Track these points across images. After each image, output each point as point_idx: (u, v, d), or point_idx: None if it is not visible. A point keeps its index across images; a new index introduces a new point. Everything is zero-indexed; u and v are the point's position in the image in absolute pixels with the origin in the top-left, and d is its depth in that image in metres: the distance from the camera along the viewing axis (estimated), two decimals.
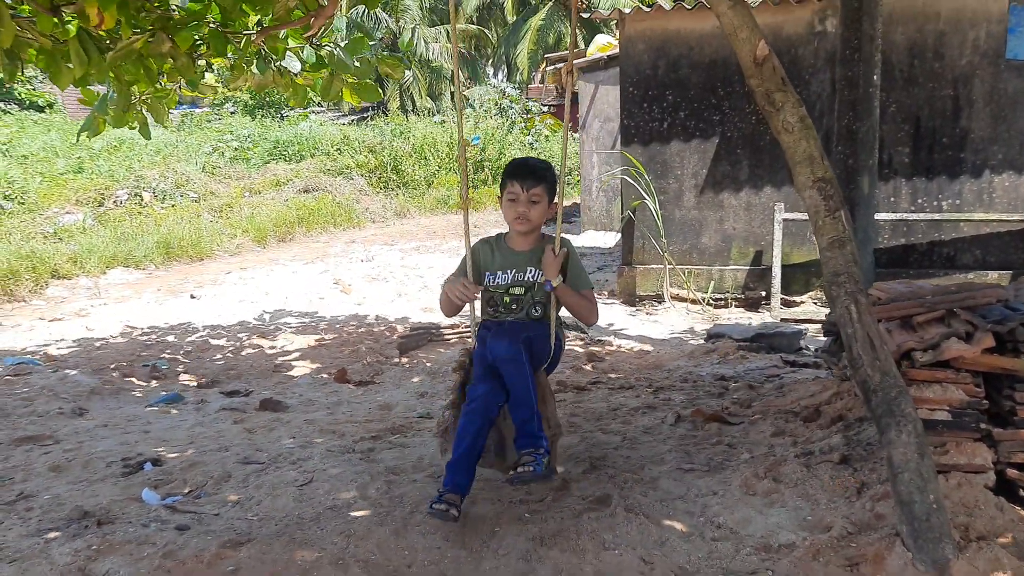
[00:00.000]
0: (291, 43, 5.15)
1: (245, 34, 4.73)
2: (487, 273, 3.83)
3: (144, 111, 5.25)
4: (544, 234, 3.90)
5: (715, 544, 3.30)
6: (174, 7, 4.47)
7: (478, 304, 3.92)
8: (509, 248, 3.85)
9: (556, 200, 3.82)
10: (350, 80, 5.19)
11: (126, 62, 4.15)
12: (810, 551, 3.10)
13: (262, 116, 27.51)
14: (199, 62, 4.82)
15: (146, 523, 3.65)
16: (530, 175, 3.72)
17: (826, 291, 3.09)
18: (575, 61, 15.92)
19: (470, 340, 3.97)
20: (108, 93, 4.87)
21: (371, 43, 5.17)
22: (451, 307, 3.81)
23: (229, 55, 4.85)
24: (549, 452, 3.59)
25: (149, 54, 4.20)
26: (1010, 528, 3.15)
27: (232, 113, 27.55)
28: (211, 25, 4.49)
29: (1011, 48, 9.31)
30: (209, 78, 4.99)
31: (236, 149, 21.93)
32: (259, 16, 4.81)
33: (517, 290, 3.79)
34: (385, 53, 5.30)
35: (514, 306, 3.80)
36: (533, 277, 3.77)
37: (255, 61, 5.03)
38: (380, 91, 5.77)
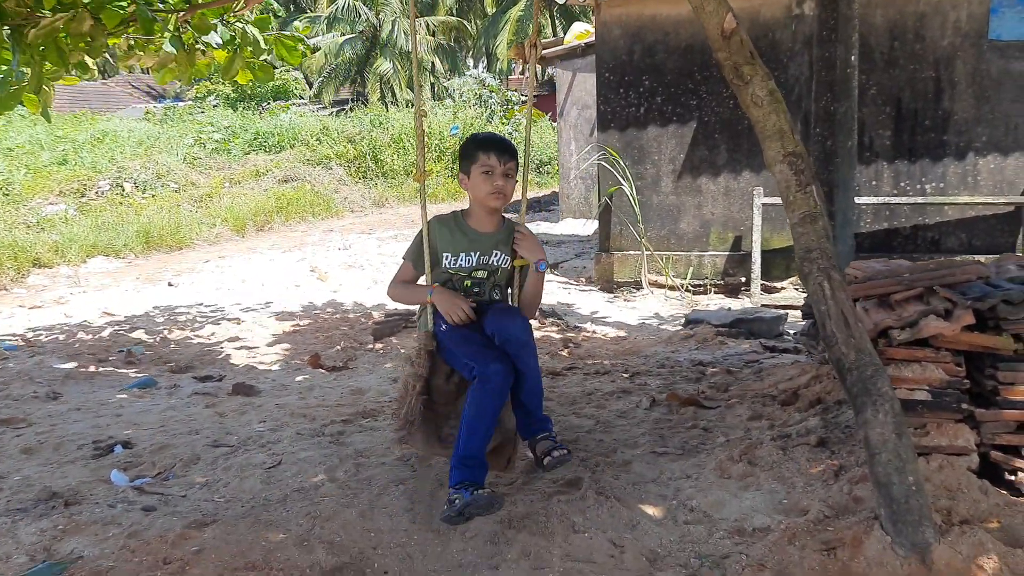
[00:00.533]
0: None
1: (168, 12, 4.59)
2: (446, 254, 3.62)
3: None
4: (504, 216, 3.77)
5: (688, 527, 3.22)
6: None
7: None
8: (472, 229, 3.66)
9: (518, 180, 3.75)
10: (249, 59, 5.08)
11: (44, 42, 3.99)
12: (786, 535, 3.01)
13: (244, 108, 27.61)
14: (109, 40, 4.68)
15: (113, 504, 3.67)
16: (505, 148, 3.59)
17: (799, 268, 3.00)
18: (553, 49, 15.76)
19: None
20: (11, 74, 4.64)
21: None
22: (407, 301, 3.74)
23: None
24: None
25: (69, 33, 4.03)
26: (995, 512, 3.07)
27: (215, 106, 27.59)
28: (136, 2, 4.34)
29: (994, 28, 9.21)
30: (88, 60, 4.82)
31: (217, 141, 22.05)
32: None
33: (480, 274, 3.64)
34: (285, 33, 5.22)
35: (476, 290, 3.65)
36: (499, 261, 3.64)
37: (169, 38, 4.83)
38: (273, 72, 5.71)
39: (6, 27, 3.91)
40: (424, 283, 3.70)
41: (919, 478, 2.83)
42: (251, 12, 5.26)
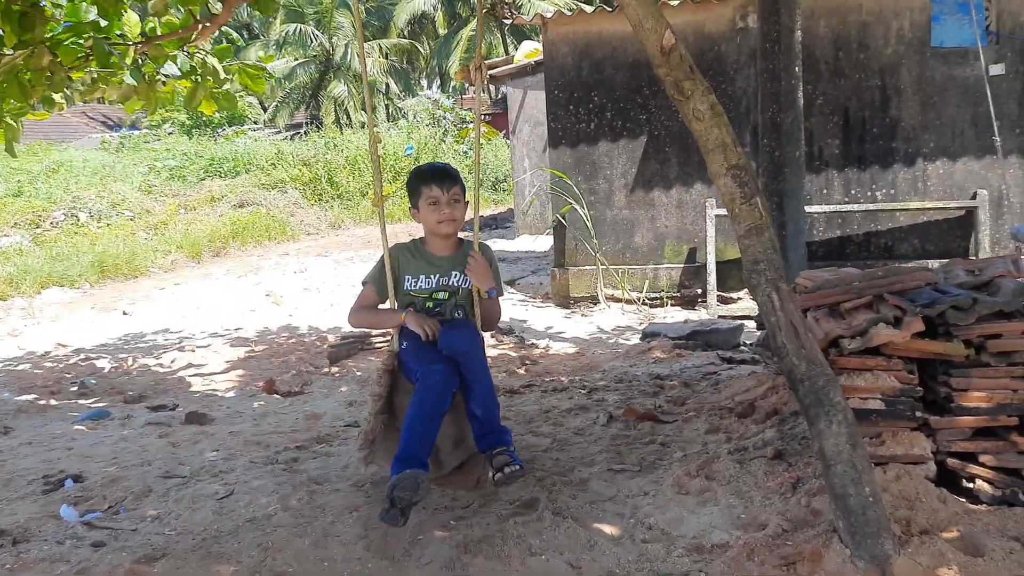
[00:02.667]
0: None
1: (129, 44, 4.61)
2: (407, 276, 3.73)
3: (3, 131, 5.06)
4: (461, 238, 3.85)
5: (646, 546, 3.18)
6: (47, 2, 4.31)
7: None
8: (431, 253, 3.77)
9: (469, 200, 3.79)
10: (212, 89, 5.13)
11: (6, 80, 3.99)
12: (744, 551, 2.99)
13: (199, 135, 27.51)
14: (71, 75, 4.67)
15: (62, 540, 3.59)
16: (447, 176, 3.68)
17: (746, 280, 2.99)
18: (504, 67, 15.80)
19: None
20: None
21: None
22: (374, 325, 3.80)
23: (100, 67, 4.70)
24: (514, 447, 3.56)
25: (28, 69, 4.05)
26: (954, 521, 3.06)
27: (170, 133, 27.44)
28: (94, 36, 4.35)
29: (936, 36, 9.41)
30: (55, 95, 4.84)
31: (172, 168, 21.94)
32: (138, 21, 4.71)
33: (441, 295, 3.73)
34: (249, 63, 5.27)
35: (437, 310, 3.72)
36: (457, 282, 3.72)
37: (129, 70, 4.88)
38: (236, 101, 5.80)
39: None
40: (387, 307, 3.78)
41: (876, 489, 2.82)
42: (208, 43, 5.25)
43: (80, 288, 13.59)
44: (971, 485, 3.28)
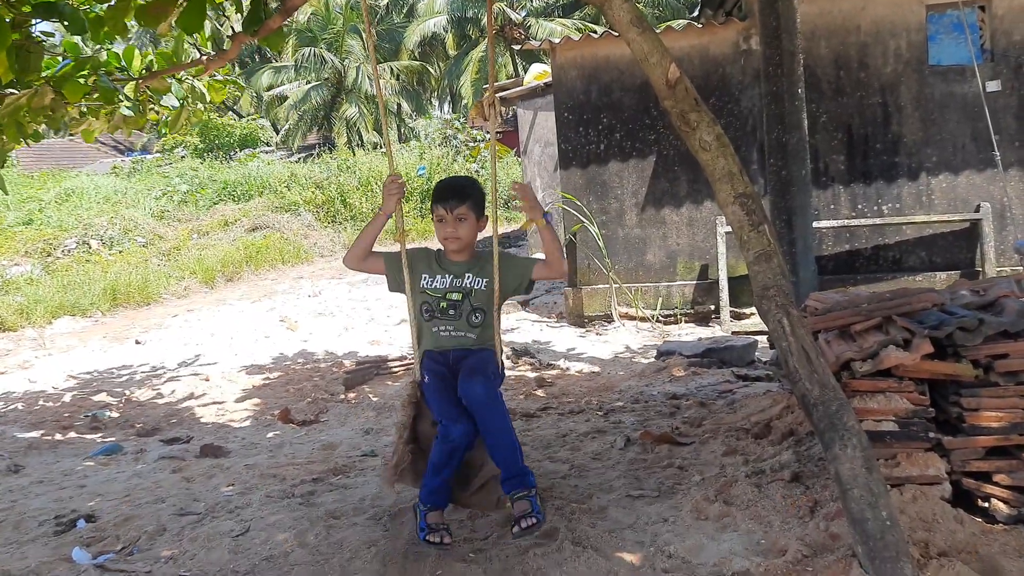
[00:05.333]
0: None
1: (132, 79, 4.68)
2: (424, 275, 3.85)
3: None
4: (478, 250, 3.96)
5: None
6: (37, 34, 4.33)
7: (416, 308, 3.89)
8: (447, 260, 3.90)
9: (487, 214, 3.90)
10: (197, 113, 5.32)
11: (7, 119, 4.03)
12: None
13: (211, 158, 27.58)
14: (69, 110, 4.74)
15: None
16: (453, 195, 3.78)
17: (757, 305, 3.02)
18: (515, 89, 15.87)
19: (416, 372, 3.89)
20: None
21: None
22: (361, 241, 3.87)
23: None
24: (536, 487, 3.64)
25: (31, 107, 4.08)
26: (972, 542, 3.06)
27: (182, 157, 27.49)
28: (97, 73, 4.41)
29: (933, 55, 9.63)
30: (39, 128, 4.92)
31: (185, 192, 21.92)
32: (140, 56, 4.79)
33: (454, 295, 3.81)
34: (217, 78, 5.44)
35: (451, 311, 3.80)
36: (471, 283, 3.81)
37: (131, 104, 5.03)
38: (201, 115, 6.06)
39: None
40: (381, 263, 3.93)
41: (893, 512, 2.82)
42: (215, 74, 5.36)
43: (92, 317, 13.56)
44: (987, 505, 3.29)
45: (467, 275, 3.81)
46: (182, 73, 5.11)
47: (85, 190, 20.88)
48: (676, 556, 3.31)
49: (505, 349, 8.74)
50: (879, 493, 2.82)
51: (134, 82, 4.80)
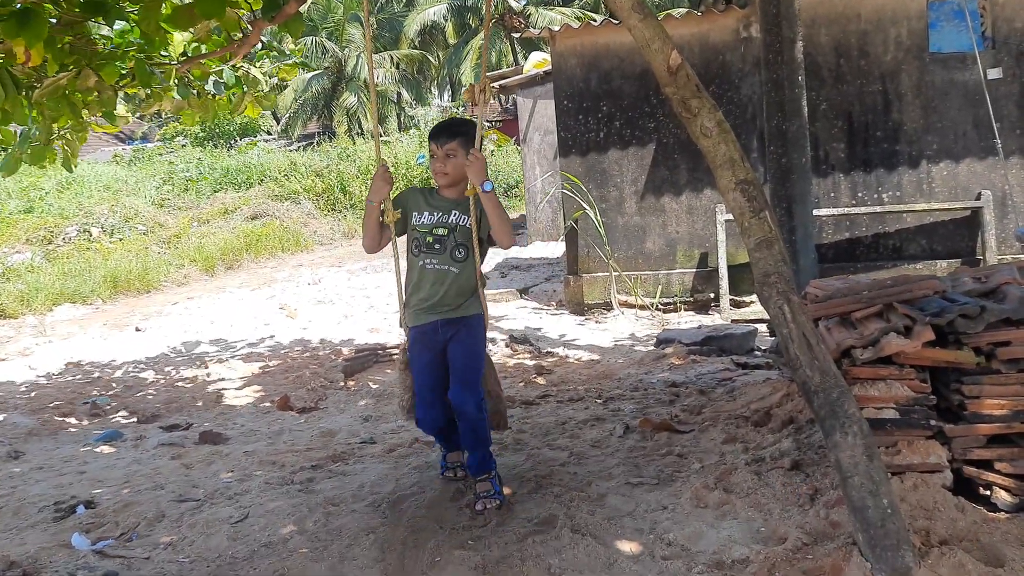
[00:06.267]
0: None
1: (169, 64, 4.84)
2: (414, 213, 4.08)
3: (63, 146, 5.46)
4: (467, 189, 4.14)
5: (666, 563, 3.17)
6: (95, 35, 4.48)
7: (402, 247, 4.15)
8: (437, 195, 4.12)
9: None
10: (257, 95, 5.55)
11: (50, 99, 4.16)
12: (765, 566, 2.98)
13: (212, 147, 27.47)
14: (119, 93, 4.86)
15: (73, 571, 3.57)
16: (443, 132, 4.01)
17: (758, 292, 3.00)
18: (514, 78, 15.87)
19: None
20: (31, 130, 4.99)
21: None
22: (367, 225, 4.05)
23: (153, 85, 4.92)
24: (497, 471, 4.03)
25: (75, 90, 4.23)
26: (973, 530, 3.05)
27: (183, 145, 27.49)
28: (136, 56, 4.52)
29: (934, 42, 9.56)
30: (120, 108, 5.03)
31: (186, 180, 21.95)
32: (182, 39, 4.96)
33: (440, 230, 4.00)
34: (275, 55, 5.81)
35: (436, 245, 3.99)
36: (456, 220, 4.00)
37: (177, 87, 5.20)
38: (274, 99, 6.45)
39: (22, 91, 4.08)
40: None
41: (893, 500, 2.81)
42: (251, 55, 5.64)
43: (92, 304, 13.59)
44: (988, 493, 3.28)
45: (453, 212, 4.02)
46: (235, 60, 5.35)
47: (86, 178, 20.92)
48: (675, 544, 3.31)
49: (504, 336, 8.79)
50: (880, 481, 2.80)
51: (174, 67, 4.94)
